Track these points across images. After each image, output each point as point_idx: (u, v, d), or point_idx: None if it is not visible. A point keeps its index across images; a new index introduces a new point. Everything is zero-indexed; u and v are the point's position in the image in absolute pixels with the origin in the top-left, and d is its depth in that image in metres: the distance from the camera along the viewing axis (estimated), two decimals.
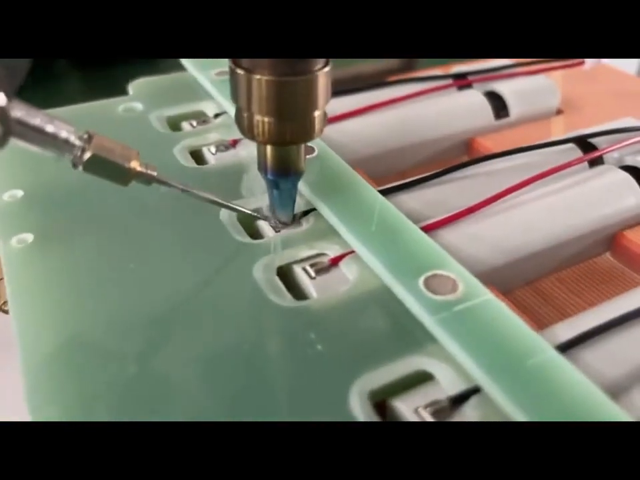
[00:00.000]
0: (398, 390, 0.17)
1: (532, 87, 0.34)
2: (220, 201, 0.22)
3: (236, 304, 0.20)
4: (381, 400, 0.17)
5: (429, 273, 0.19)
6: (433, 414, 0.16)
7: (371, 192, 0.23)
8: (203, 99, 0.32)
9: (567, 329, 0.19)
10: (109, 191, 0.21)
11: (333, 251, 0.22)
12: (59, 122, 0.19)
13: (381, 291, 0.20)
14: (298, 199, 0.23)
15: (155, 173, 0.21)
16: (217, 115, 0.31)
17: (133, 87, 0.34)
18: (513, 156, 0.27)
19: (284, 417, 0.16)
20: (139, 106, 0.32)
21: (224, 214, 0.24)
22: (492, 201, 0.24)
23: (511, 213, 0.24)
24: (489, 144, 0.31)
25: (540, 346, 0.17)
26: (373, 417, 0.16)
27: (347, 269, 0.21)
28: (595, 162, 0.28)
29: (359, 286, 0.20)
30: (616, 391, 0.17)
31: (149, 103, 0.32)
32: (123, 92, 0.33)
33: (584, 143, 0.29)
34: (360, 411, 0.16)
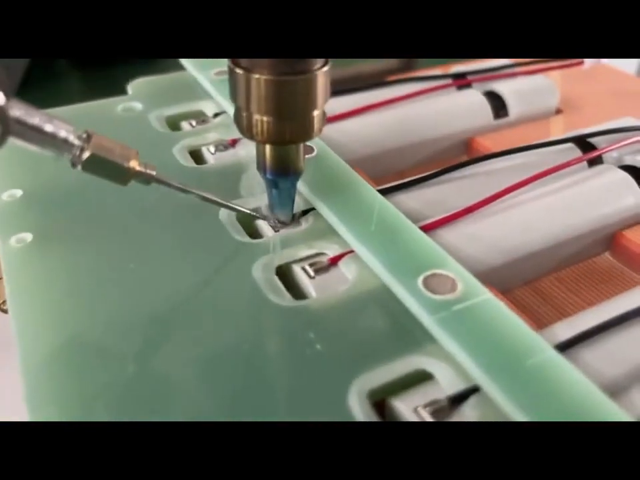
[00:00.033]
0: (397, 389, 0.17)
1: (531, 87, 0.34)
2: (219, 200, 0.22)
3: (235, 303, 0.20)
4: (380, 399, 0.17)
5: (428, 273, 0.19)
6: (432, 413, 0.16)
7: (370, 191, 0.23)
8: (202, 99, 0.32)
9: (566, 329, 0.19)
10: (108, 190, 0.21)
11: (332, 251, 0.22)
12: (58, 121, 0.19)
13: (380, 291, 0.20)
14: (297, 199, 0.23)
15: (154, 173, 0.21)
16: (216, 115, 0.31)
17: (132, 86, 0.34)
18: (512, 156, 0.27)
19: (283, 416, 0.16)
20: (138, 106, 0.32)
21: (223, 213, 0.24)
22: (491, 201, 0.24)
23: (510, 212, 0.24)
24: (488, 144, 0.31)
25: (539, 345, 0.17)
26: (372, 417, 0.16)
27: (346, 269, 0.21)
28: (594, 161, 0.28)
29: (358, 285, 0.20)
30: (615, 391, 0.17)
31: (148, 103, 0.32)
32: (123, 92, 0.33)
33: (583, 142, 0.29)
34: (359, 410, 0.16)
